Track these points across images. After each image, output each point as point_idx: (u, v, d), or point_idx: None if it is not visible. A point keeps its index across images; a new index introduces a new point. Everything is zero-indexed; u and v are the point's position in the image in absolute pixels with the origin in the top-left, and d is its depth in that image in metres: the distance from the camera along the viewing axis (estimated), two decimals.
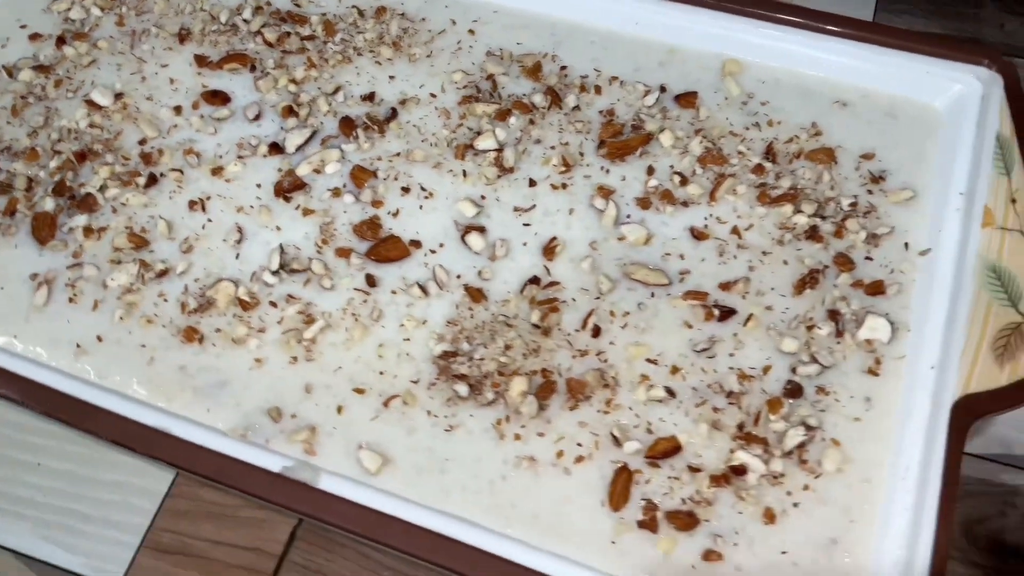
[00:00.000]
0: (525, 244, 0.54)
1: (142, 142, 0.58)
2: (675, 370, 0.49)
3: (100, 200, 0.56)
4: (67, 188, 0.56)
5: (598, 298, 0.52)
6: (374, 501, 0.45)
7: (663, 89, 0.60)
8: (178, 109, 0.60)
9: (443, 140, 0.58)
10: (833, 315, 0.51)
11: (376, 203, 0.55)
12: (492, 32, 0.63)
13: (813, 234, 0.53)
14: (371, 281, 0.53)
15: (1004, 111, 0.55)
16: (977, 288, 0.49)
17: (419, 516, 0.44)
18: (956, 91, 0.57)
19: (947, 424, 0.45)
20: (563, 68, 0.61)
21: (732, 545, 0.44)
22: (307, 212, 0.55)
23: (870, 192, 0.55)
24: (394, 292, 0.52)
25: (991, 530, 0.57)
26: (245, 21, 0.64)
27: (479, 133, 0.58)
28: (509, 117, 0.58)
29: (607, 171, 0.57)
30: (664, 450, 0.47)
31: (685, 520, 0.45)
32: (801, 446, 0.47)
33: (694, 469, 0.46)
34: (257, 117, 0.59)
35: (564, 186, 0.56)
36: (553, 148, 0.57)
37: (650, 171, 0.56)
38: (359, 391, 0.49)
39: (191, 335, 0.51)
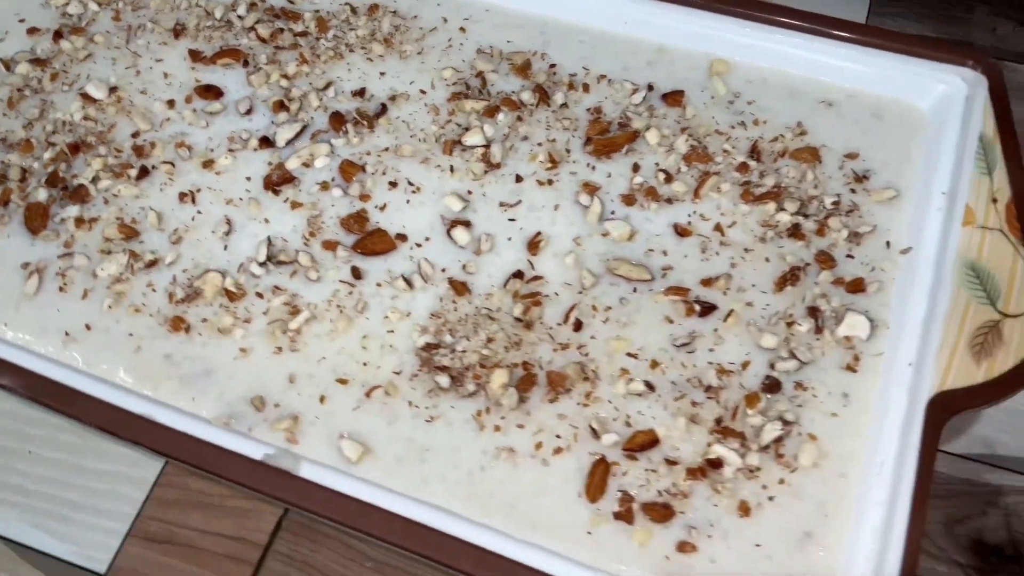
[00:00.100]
0: (510, 239, 0.55)
1: (135, 135, 0.59)
2: (655, 364, 0.50)
3: (92, 191, 0.57)
4: (60, 179, 0.57)
5: (581, 293, 0.52)
6: (354, 489, 0.45)
7: (650, 88, 0.60)
8: (171, 103, 0.61)
9: (431, 136, 0.59)
10: (813, 312, 0.51)
11: (364, 197, 0.56)
12: (483, 30, 0.64)
13: (795, 232, 0.54)
14: (357, 273, 0.53)
15: (988, 112, 0.55)
16: (956, 286, 0.50)
17: (398, 505, 0.45)
18: (941, 92, 0.58)
19: (922, 420, 0.45)
20: (552, 66, 0.62)
21: (707, 537, 0.45)
22: (295, 205, 0.56)
23: (853, 191, 0.55)
24: (379, 285, 0.53)
25: (972, 529, 0.58)
26: (239, 17, 0.64)
27: (467, 129, 0.58)
28: (497, 114, 0.59)
29: (593, 168, 0.57)
30: (642, 443, 0.47)
31: (661, 512, 0.45)
32: (778, 441, 0.47)
33: (671, 462, 0.47)
34: (249, 111, 0.60)
35: (550, 182, 0.57)
36: (540, 145, 0.58)
37: (636, 168, 0.57)
38: (342, 381, 0.50)
39: (178, 324, 0.52)
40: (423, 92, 0.61)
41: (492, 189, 0.56)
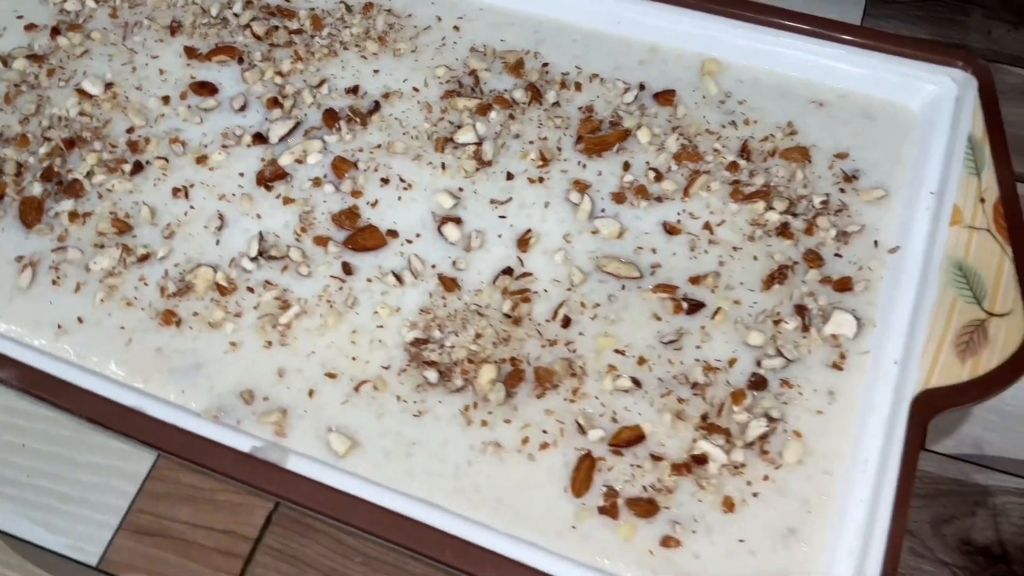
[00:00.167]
0: (500, 236, 0.55)
1: (130, 130, 0.60)
2: (642, 361, 0.50)
3: (86, 186, 0.57)
4: (55, 174, 0.57)
5: (569, 289, 0.53)
6: (340, 482, 0.45)
7: (642, 87, 0.61)
8: (166, 99, 0.61)
9: (424, 133, 0.59)
10: (800, 310, 0.51)
11: (356, 193, 0.56)
12: (477, 29, 0.64)
13: (784, 231, 0.54)
14: (347, 269, 0.54)
15: (977, 112, 0.55)
16: (943, 285, 0.50)
17: (384, 498, 0.45)
18: (932, 93, 0.58)
19: (907, 418, 0.46)
20: (545, 65, 0.62)
21: (691, 532, 0.45)
22: (288, 201, 0.56)
23: (842, 191, 0.56)
24: (369, 280, 0.53)
25: (960, 529, 0.58)
26: (235, 15, 0.65)
27: (459, 127, 0.59)
28: (490, 112, 0.59)
29: (584, 166, 0.57)
30: (628, 438, 0.48)
31: (645, 507, 0.46)
32: (763, 437, 0.47)
33: (656, 458, 0.47)
34: (243, 108, 0.60)
35: (541, 180, 0.57)
36: (532, 143, 0.58)
37: (626, 167, 0.57)
38: (331, 376, 0.50)
39: (169, 318, 0.52)
40: (416, 90, 0.61)
41: (483, 186, 0.57)
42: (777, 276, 0.52)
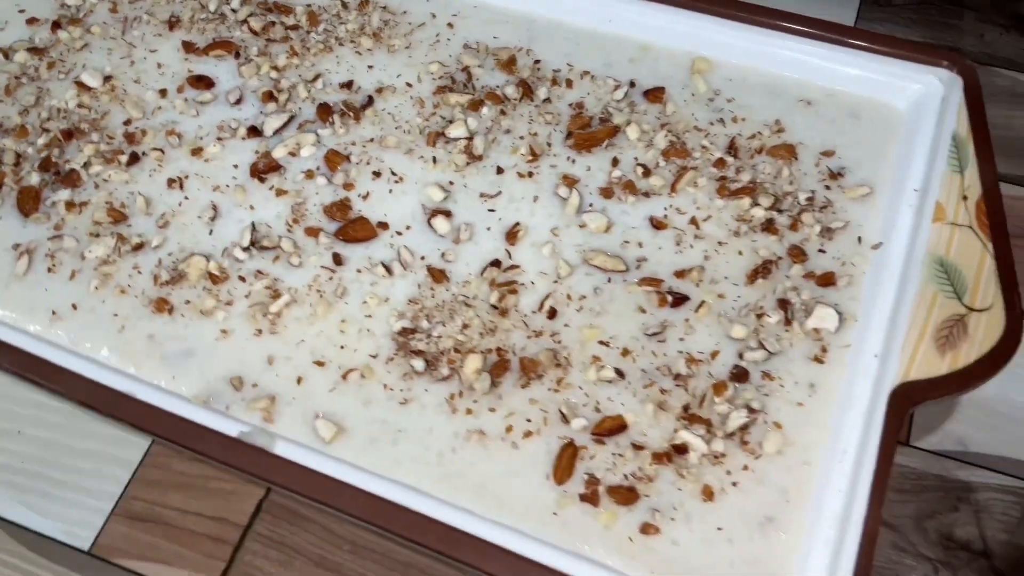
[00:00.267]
0: (489, 229, 0.56)
1: (127, 122, 0.61)
2: (626, 352, 0.51)
3: (83, 176, 0.58)
4: (53, 164, 0.58)
5: (556, 282, 0.53)
6: (326, 467, 0.46)
7: (632, 84, 0.61)
8: (163, 92, 0.62)
9: (416, 128, 0.60)
10: (783, 304, 0.52)
11: (348, 186, 0.57)
12: (471, 26, 0.65)
13: (769, 226, 0.55)
14: (338, 260, 0.54)
15: (962, 111, 0.56)
16: (924, 281, 0.51)
17: (369, 483, 0.46)
18: (918, 92, 0.59)
19: (885, 410, 0.46)
20: (537, 62, 0.63)
21: (670, 520, 0.46)
22: (280, 192, 0.57)
23: (828, 188, 0.56)
24: (359, 271, 0.54)
25: (943, 524, 0.58)
26: (233, 10, 0.66)
27: (451, 122, 0.60)
28: (481, 107, 0.60)
29: (573, 161, 0.58)
30: (610, 428, 0.48)
31: (626, 495, 0.46)
32: (744, 428, 0.48)
33: (638, 447, 0.48)
34: (238, 101, 0.61)
35: (530, 175, 0.58)
36: (522, 138, 0.59)
37: (615, 162, 0.58)
38: (319, 364, 0.51)
39: (162, 306, 0.53)
40: (409, 85, 0.62)
41: (473, 180, 0.58)
42: (761, 271, 0.53)
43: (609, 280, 0.53)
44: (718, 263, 0.54)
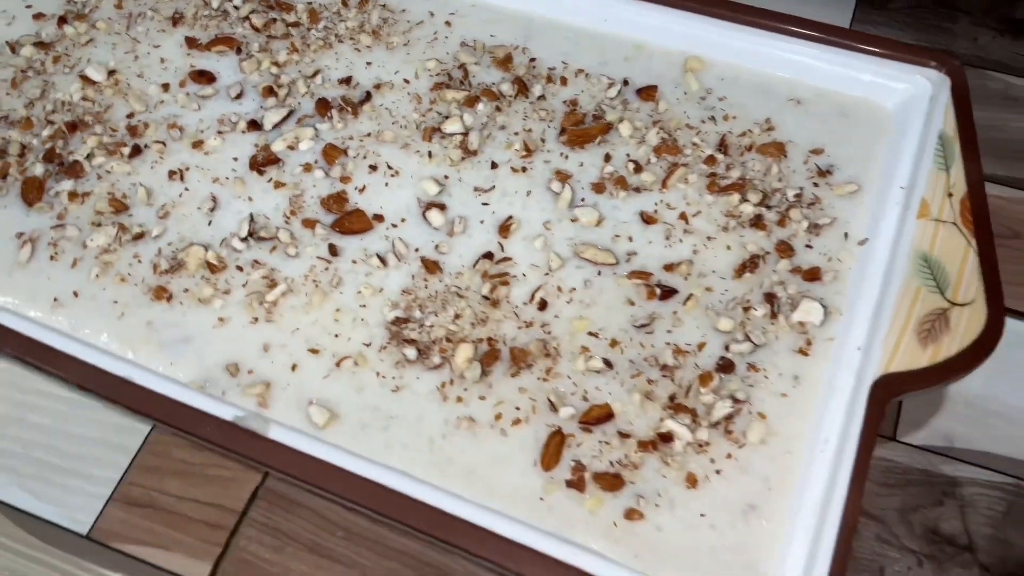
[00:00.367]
0: (482, 222, 0.57)
1: (130, 115, 0.62)
2: (614, 343, 0.52)
3: (86, 167, 0.59)
4: (57, 155, 0.60)
5: (547, 274, 0.54)
6: (319, 451, 0.47)
7: (626, 82, 0.63)
8: (166, 86, 0.63)
9: (413, 123, 0.61)
10: (769, 298, 0.53)
11: (344, 179, 0.58)
12: (468, 25, 0.66)
13: (757, 222, 0.56)
14: (333, 251, 0.56)
15: (949, 111, 0.57)
16: (908, 275, 0.52)
17: (360, 467, 0.47)
18: (907, 92, 0.60)
19: (866, 400, 0.47)
20: (532, 60, 0.64)
21: (654, 506, 0.47)
22: (279, 185, 0.58)
23: (816, 185, 0.57)
24: (354, 262, 0.55)
25: (928, 518, 0.59)
26: (235, 7, 0.67)
27: (447, 117, 0.61)
28: (477, 104, 0.61)
29: (566, 157, 0.59)
30: (597, 416, 0.49)
31: (611, 481, 0.47)
32: (728, 418, 0.49)
33: (624, 435, 0.49)
34: (239, 96, 0.63)
35: (524, 170, 0.59)
36: (516, 134, 0.60)
37: (607, 158, 0.59)
38: (314, 351, 0.52)
39: (161, 294, 0.54)
40: (407, 81, 0.63)
41: (468, 175, 0.59)
42: (749, 265, 0.54)
43: (599, 273, 0.54)
44: (706, 257, 0.55)
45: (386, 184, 0.58)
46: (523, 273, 0.55)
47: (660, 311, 0.53)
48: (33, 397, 0.66)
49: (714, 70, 0.63)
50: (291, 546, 0.59)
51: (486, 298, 0.53)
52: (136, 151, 0.60)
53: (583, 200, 0.57)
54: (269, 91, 0.62)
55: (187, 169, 0.59)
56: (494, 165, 0.59)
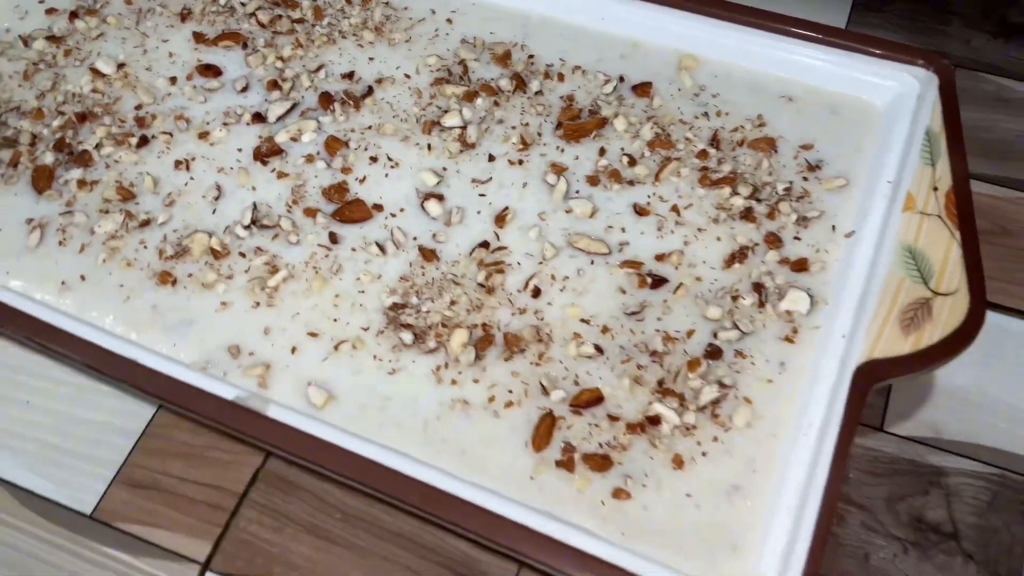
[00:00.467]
0: (479, 212, 0.58)
1: (138, 107, 0.64)
2: (606, 330, 0.53)
3: (95, 156, 0.61)
4: (66, 145, 0.61)
5: (541, 263, 0.56)
6: (316, 430, 0.49)
7: (621, 79, 0.64)
8: (173, 79, 0.65)
9: (413, 116, 0.63)
10: (758, 287, 0.54)
11: (346, 170, 0.60)
12: (468, 22, 0.68)
13: (747, 215, 0.57)
14: (334, 239, 0.57)
15: (936, 108, 0.58)
16: (893, 266, 0.53)
17: (356, 445, 0.48)
18: (896, 90, 0.61)
19: (849, 386, 0.48)
20: (531, 57, 0.66)
21: (641, 486, 0.48)
22: (281, 175, 0.60)
23: (805, 179, 0.59)
24: (354, 249, 0.57)
25: (913, 507, 0.60)
26: (242, 3, 0.69)
27: (447, 111, 0.62)
28: (476, 99, 0.63)
29: (562, 150, 0.61)
30: (587, 400, 0.51)
31: (600, 462, 0.49)
32: (715, 402, 0.50)
33: (613, 418, 0.50)
34: (244, 89, 0.64)
35: (520, 162, 0.60)
36: (514, 128, 0.62)
37: (602, 152, 0.60)
38: (313, 335, 0.54)
39: (165, 278, 0.56)
40: (408, 77, 0.65)
41: (466, 167, 0.60)
42: (738, 256, 0.55)
43: (592, 262, 0.56)
44: (697, 248, 0.56)
45: (386, 175, 0.60)
46: (518, 262, 0.56)
47: (651, 299, 0.54)
48: (40, 382, 0.67)
49: (708, 68, 0.65)
50: (290, 527, 0.60)
51: (481, 285, 0.55)
52: (144, 141, 0.62)
53: (578, 192, 0.59)
54: (274, 85, 0.64)
55: (193, 159, 0.61)
56: (491, 158, 0.60)
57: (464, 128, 0.61)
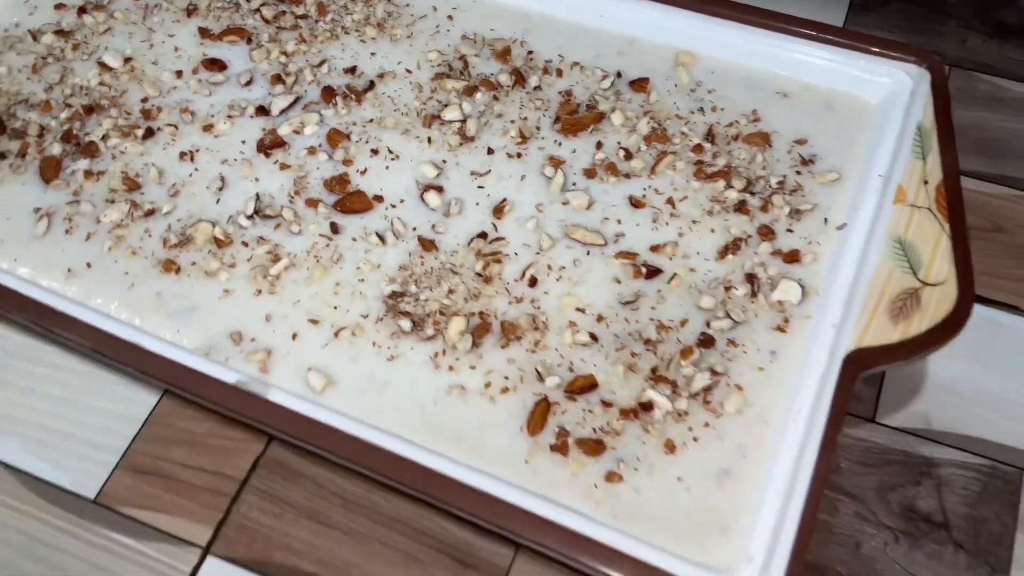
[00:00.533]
0: (478, 204, 0.59)
1: (144, 100, 0.65)
2: (600, 319, 0.54)
3: (102, 148, 0.62)
4: (74, 136, 0.63)
5: (538, 253, 0.57)
6: (316, 414, 0.50)
7: (619, 75, 0.65)
8: (179, 73, 0.66)
9: (413, 110, 0.64)
10: (750, 278, 0.55)
11: (347, 162, 0.61)
12: (469, 19, 0.69)
13: (741, 207, 0.58)
14: (335, 229, 0.58)
15: (928, 104, 0.59)
16: (883, 256, 0.54)
17: (354, 428, 0.49)
18: (889, 86, 0.62)
19: (838, 373, 0.49)
20: (530, 53, 0.67)
21: (633, 470, 0.49)
22: (284, 167, 0.61)
23: (799, 173, 0.60)
24: (354, 239, 0.58)
25: (905, 497, 0.61)
26: (247, 0, 0.70)
27: (447, 105, 0.63)
28: (476, 93, 0.64)
29: (560, 144, 0.62)
30: (582, 386, 0.52)
31: (593, 447, 0.49)
32: (707, 389, 0.51)
33: (607, 404, 0.51)
34: (248, 83, 0.65)
35: (519, 155, 0.61)
36: (513, 122, 0.63)
37: (599, 146, 0.62)
38: (313, 322, 0.55)
39: (169, 266, 0.57)
40: (409, 72, 0.66)
41: (465, 159, 0.61)
42: (731, 247, 0.56)
43: (588, 253, 0.57)
44: (691, 240, 0.57)
45: (387, 167, 0.61)
46: (515, 252, 0.57)
47: (645, 289, 0.55)
48: (45, 369, 0.68)
49: (704, 64, 0.66)
50: (290, 513, 0.61)
51: (479, 275, 0.56)
52: (149, 133, 0.63)
53: (575, 185, 0.60)
54: (277, 79, 0.65)
55: (197, 151, 0.62)
56: (490, 151, 0.61)
57: (464, 122, 0.63)
